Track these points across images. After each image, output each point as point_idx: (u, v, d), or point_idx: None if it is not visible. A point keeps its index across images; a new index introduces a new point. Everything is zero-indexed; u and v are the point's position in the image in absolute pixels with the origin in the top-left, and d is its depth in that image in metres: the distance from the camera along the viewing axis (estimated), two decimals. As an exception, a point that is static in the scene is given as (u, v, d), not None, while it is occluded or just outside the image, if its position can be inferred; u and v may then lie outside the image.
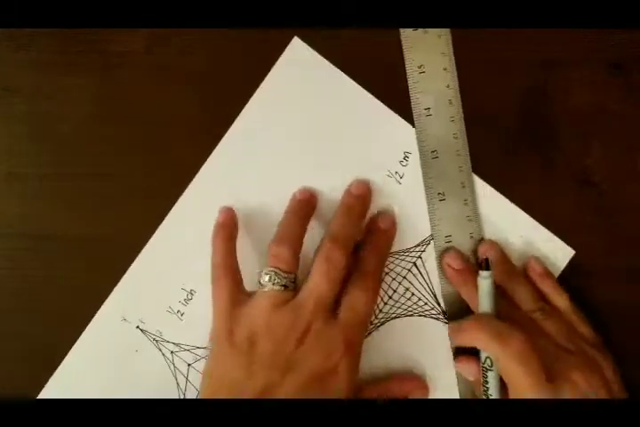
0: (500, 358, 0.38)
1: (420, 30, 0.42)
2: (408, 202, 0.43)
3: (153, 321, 0.43)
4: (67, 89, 0.42)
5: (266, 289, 0.39)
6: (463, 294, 0.41)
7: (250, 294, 0.40)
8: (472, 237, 0.42)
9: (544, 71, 0.42)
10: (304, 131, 0.43)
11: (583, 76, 0.42)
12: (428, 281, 0.43)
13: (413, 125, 0.42)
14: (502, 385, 0.39)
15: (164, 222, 0.43)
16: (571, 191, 0.43)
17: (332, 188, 0.43)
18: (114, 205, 0.43)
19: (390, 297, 0.43)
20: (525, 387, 0.37)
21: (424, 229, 0.43)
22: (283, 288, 0.39)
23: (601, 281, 0.41)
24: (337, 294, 0.39)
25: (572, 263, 0.42)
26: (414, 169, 0.43)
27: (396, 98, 0.42)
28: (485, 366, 0.39)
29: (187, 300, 0.43)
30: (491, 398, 0.39)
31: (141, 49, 0.42)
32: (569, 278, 0.42)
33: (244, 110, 0.42)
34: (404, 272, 0.43)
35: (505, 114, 0.42)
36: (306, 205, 0.42)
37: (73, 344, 0.43)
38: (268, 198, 0.43)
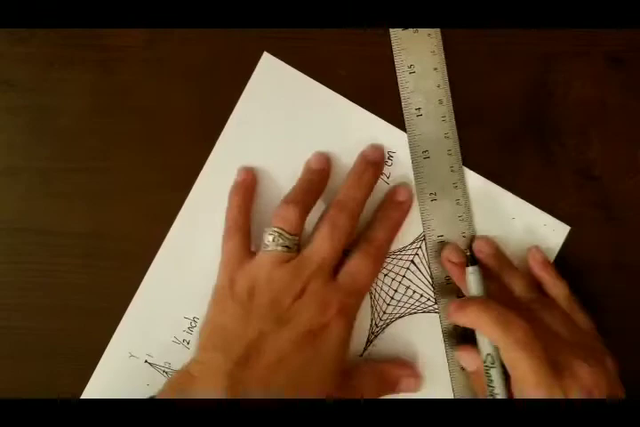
0: (501, 345, 0.37)
1: (411, 30, 0.42)
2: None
3: (160, 354, 0.43)
4: (66, 83, 0.42)
5: (269, 249, 0.39)
6: (462, 287, 0.41)
7: (255, 253, 0.40)
8: (464, 236, 0.42)
9: (544, 65, 0.42)
10: (284, 144, 0.42)
11: (583, 70, 0.42)
12: (427, 276, 0.43)
13: (396, 125, 0.42)
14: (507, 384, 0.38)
15: (158, 255, 0.43)
16: (571, 185, 0.42)
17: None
18: (113, 198, 0.43)
19: (392, 297, 0.43)
20: (528, 373, 0.36)
21: (417, 226, 0.42)
22: (286, 249, 0.39)
23: (602, 275, 0.41)
24: (338, 258, 0.39)
25: (573, 257, 0.42)
26: (400, 168, 0.42)
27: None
28: (487, 364, 0.38)
29: (190, 328, 0.43)
30: (497, 397, 0.38)
31: (141, 43, 0.42)
32: (569, 272, 0.42)
33: (224, 128, 0.42)
34: (403, 271, 0.43)
35: (505, 108, 0.42)
36: (319, 175, 0.41)
37: (71, 338, 0.43)
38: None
